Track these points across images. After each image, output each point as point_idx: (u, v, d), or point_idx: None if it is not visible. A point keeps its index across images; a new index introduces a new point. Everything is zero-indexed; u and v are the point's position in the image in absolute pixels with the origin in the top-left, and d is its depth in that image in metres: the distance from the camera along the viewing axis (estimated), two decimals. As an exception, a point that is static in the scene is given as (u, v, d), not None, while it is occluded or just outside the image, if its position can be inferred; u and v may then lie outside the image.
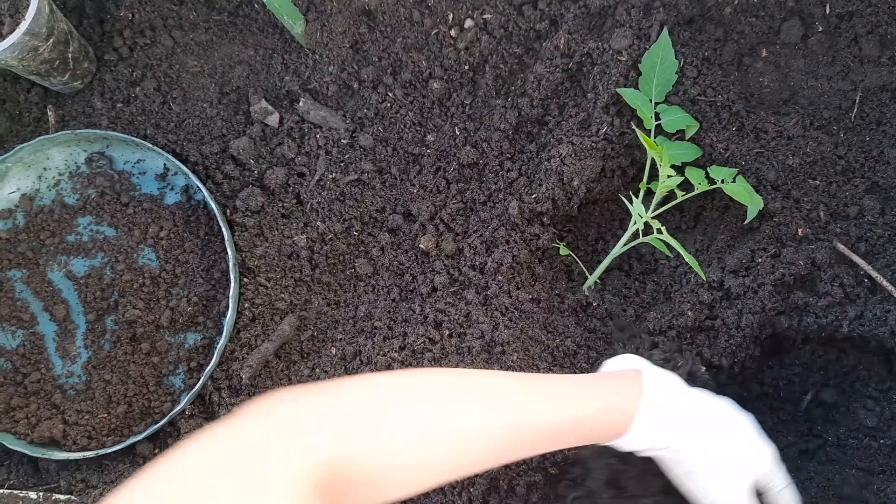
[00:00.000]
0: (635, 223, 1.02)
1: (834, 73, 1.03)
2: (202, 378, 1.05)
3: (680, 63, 1.03)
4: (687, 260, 0.94)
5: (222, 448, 0.54)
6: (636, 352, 0.92)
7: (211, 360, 1.06)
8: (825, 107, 1.03)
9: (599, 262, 1.07)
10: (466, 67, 1.12)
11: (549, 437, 0.70)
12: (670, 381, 0.76)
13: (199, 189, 1.09)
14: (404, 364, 1.03)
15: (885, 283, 0.96)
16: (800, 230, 0.99)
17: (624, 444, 0.74)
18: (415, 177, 1.12)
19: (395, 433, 0.62)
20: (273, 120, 1.15)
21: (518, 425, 0.68)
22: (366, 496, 0.61)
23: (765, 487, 0.79)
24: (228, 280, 1.09)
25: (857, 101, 1.02)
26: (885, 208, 0.99)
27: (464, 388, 0.69)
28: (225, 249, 1.09)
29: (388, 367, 1.03)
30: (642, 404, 0.72)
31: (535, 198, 1.04)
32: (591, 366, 1.00)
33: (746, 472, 0.77)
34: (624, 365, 0.79)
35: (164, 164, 1.16)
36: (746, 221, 1.00)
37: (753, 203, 0.99)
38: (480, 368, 1.00)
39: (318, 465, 0.56)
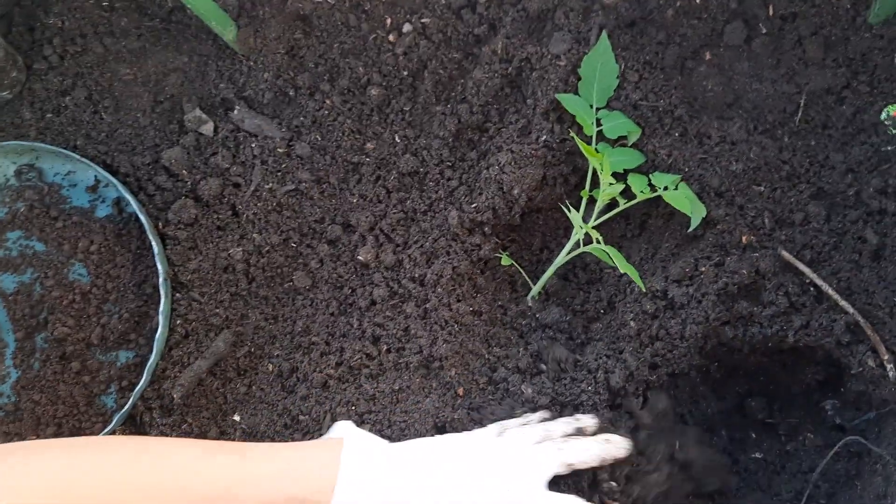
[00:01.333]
0: (577, 233, 0.99)
1: (778, 75, 1.01)
2: (132, 398, 1.01)
3: (621, 67, 1.00)
4: (625, 271, 0.92)
5: None
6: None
7: (141, 379, 1.02)
8: (769, 110, 1.01)
9: (544, 272, 1.04)
10: (405, 73, 1.09)
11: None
12: (374, 455, 0.74)
13: (131, 201, 1.05)
14: (341, 381, 0.99)
15: (830, 291, 0.94)
16: (744, 238, 0.97)
17: None
18: (354, 186, 1.09)
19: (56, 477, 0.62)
20: (207, 129, 1.11)
21: (191, 492, 0.67)
22: None
23: None
24: (161, 296, 1.05)
25: (802, 105, 1.00)
26: (830, 214, 0.97)
27: (137, 446, 0.68)
28: (157, 264, 1.05)
29: (325, 385, 1.00)
30: (338, 488, 0.71)
31: (475, 207, 1.01)
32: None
33: None
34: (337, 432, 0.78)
35: (95, 176, 1.12)
36: (690, 230, 0.97)
37: (696, 211, 0.97)
38: (419, 384, 0.97)
39: None
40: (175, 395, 1.02)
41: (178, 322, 1.06)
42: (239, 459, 0.71)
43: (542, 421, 0.86)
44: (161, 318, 1.03)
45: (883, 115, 0.96)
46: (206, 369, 1.04)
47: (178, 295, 1.07)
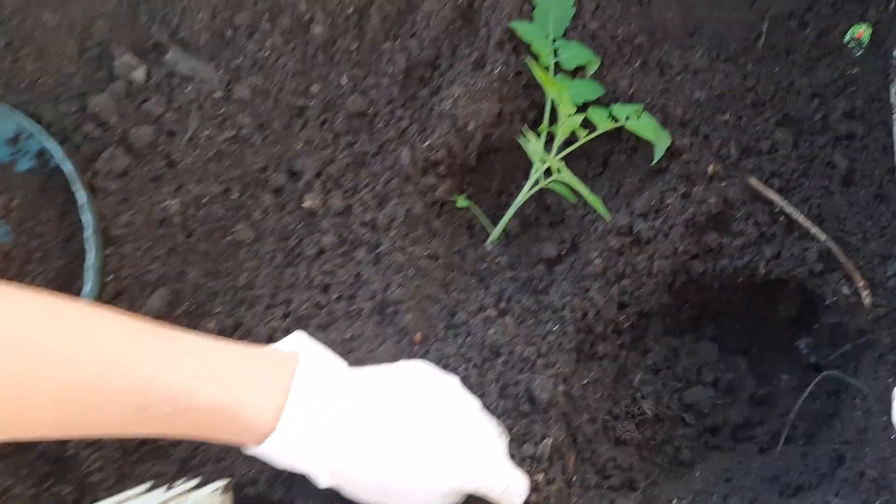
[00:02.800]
0: (537, 170, 0.94)
1: (740, 2, 0.98)
2: (57, 361, 0.92)
3: (577, -6, 0.96)
4: (589, 200, 0.86)
5: None
6: None
7: (68, 340, 0.93)
8: (732, 38, 0.97)
9: (503, 216, 0.98)
10: (351, 10, 1.02)
11: (174, 414, 0.54)
12: (331, 374, 0.62)
13: (55, 152, 0.97)
14: (288, 332, 0.91)
15: (801, 218, 0.90)
16: (710, 167, 0.92)
17: (264, 453, 0.59)
18: (299, 131, 1.02)
19: None
20: (139, 75, 1.03)
21: (141, 383, 0.52)
22: None
23: (483, 494, 0.67)
24: (88, 250, 0.97)
25: (765, 30, 0.96)
26: (798, 141, 0.93)
27: (78, 317, 0.53)
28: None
29: (271, 338, 0.92)
30: (288, 403, 0.58)
31: (428, 145, 0.95)
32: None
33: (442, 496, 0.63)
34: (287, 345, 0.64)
35: (16, 129, 1.03)
36: (654, 161, 0.93)
37: (660, 140, 0.92)
38: (372, 331, 0.90)
39: None
40: (106, 357, 0.93)
41: (110, 279, 0.97)
42: (171, 350, 0.57)
43: None
44: (91, 274, 0.95)
45: (847, 38, 0.93)
46: (140, 329, 0.96)
47: (108, 251, 0.98)
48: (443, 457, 0.63)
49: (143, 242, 0.99)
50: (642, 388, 0.92)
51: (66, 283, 0.99)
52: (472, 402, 0.70)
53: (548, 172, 0.93)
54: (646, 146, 0.96)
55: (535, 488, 0.73)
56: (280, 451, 0.60)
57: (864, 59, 0.91)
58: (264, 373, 0.60)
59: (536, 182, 0.93)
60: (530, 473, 0.74)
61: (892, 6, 0.91)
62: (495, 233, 0.98)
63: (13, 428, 0.50)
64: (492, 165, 1.02)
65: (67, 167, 0.96)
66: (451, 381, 0.70)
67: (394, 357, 0.86)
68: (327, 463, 0.61)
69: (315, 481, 0.63)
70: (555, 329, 0.87)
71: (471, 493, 0.67)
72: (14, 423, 0.50)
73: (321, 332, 0.90)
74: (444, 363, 0.85)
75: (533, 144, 0.89)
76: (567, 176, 0.87)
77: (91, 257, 0.94)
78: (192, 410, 0.56)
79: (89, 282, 0.94)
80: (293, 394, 0.59)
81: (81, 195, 0.96)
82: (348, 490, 0.63)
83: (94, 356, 0.52)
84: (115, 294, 0.97)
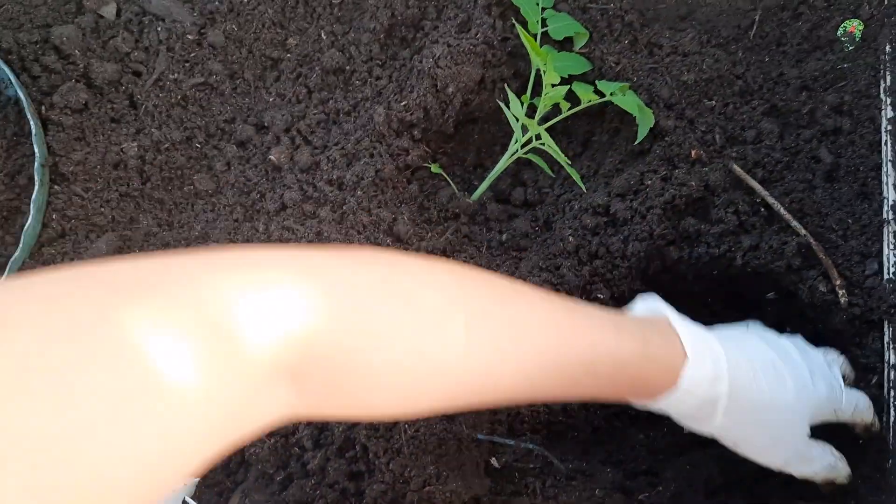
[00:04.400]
0: (517, 141, 0.90)
1: (733, -10, 0.95)
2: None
3: (570, -34, 0.93)
4: (566, 169, 0.83)
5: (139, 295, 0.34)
6: None
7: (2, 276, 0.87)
8: (724, 25, 0.95)
9: (477, 189, 0.95)
10: (337, -37, 0.99)
11: (611, 375, 0.57)
12: (701, 334, 0.65)
13: (7, 80, 0.91)
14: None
15: (782, 211, 0.87)
16: (693, 152, 0.89)
17: (665, 403, 0.62)
18: (271, 84, 0.98)
19: (417, 318, 0.44)
20: (109, 11, 0.99)
21: (588, 352, 0.55)
22: (353, 394, 0.42)
23: (832, 419, 0.72)
24: (35, 184, 0.91)
25: (757, 20, 0.94)
26: (783, 132, 0.90)
27: (514, 289, 0.54)
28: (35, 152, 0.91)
29: (220, 291, 0.87)
30: (688, 348, 0.60)
31: (404, 105, 0.91)
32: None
33: (806, 417, 0.68)
34: (649, 308, 0.66)
35: (-28, 54, 0.97)
36: (637, 140, 0.90)
37: (644, 118, 0.89)
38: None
39: (289, 340, 0.36)
40: (41, 298, 0.87)
41: (55, 217, 0.92)
42: (593, 317, 0.59)
43: None
44: (32, 209, 0.89)
45: (839, 31, 0.91)
46: (82, 273, 0.90)
47: (56, 188, 0.92)
48: (802, 383, 0.68)
49: (94, 183, 0.93)
50: None
51: (8, 219, 0.93)
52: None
53: (528, 144, 0.89)
54: (628, 128, 0.93)
55: None
56: (693, 393, 0.62)
57: (856, 54, 0.90)
58: (656, 332, 0.62)
59: (516, 151, 0.89)
60: None
61: (885, 2, 0.89)
62: (477, 194, 0.94)
63: (491, 395, 0.51)
64: (470, 135, 0.99)
65: (22, 93, 0.91)
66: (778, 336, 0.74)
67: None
68: (722, 401, 0.63)
69: (706, 422, 0.65)
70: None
71: (826, 420, 0.71)
72: (492, 391, 0.51)
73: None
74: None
75: (514, 106, 0.85)
76: (548, 140, 0.83)
77: (37, 192, 0.89)
78: (626, 366, 0.58)
79: (31, 218, 0.89)
80: (687, 346, 0.61)
81: (36, 125, 0.91)
82: (735, 430, 0.66)
83: (552, 327, 0.54)
84: (59, 234, 0.92)
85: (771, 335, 0.73)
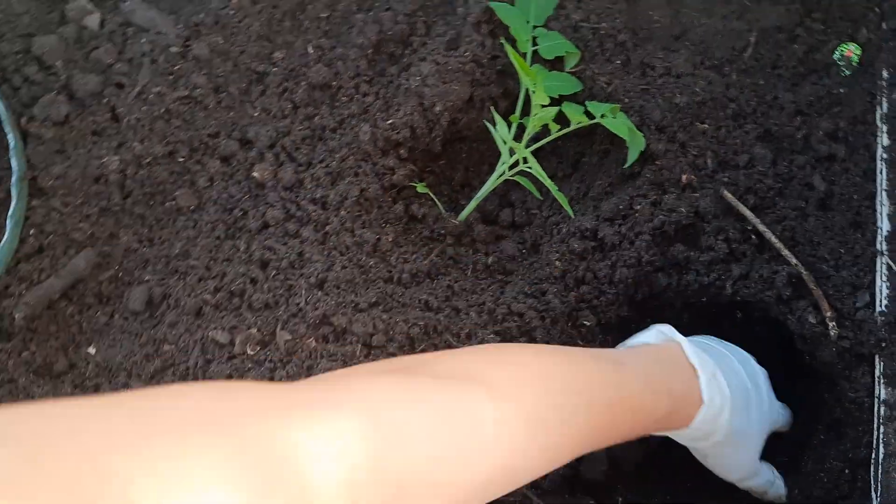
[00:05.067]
0: (504, 163, 0.88)
1: (729, 11, 0.94)
2: (-38, 315, 0.85)
3: (563, -17, 0.91)
4: (553, 194, 0.81)
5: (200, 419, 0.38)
6: None
7: (-23, 293, 0.85)
8: (718, 46, 0.93)
9: (465, 208, 0.93)
10: (325, -24, 0.97)
11: (639, 421, 0.63)
12: (708, 360, 0.70)
13: (-11, 91, 0.90)
14: (217, 308, 0.85)
15: (773, 239, 0.85)
16: (684, 177, 0.88)
17: (683, 435, 0.70)
18: (256, 98, 0.96)
19: None
20: (93, 21, 0.97)
21: (617, 403, 0.60)
22: None
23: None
24: (12, 198, 0.89)
25: (753, 42, 0.92)
26: (777, 158, 0.88)
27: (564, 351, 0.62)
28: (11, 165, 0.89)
29: (199, 311, 0.85)
30: (704, 391, 0.66)
31: (390, 123, 0.89)
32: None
33: (762, 436, 0.76)
34: (660, 337, 0.71)
35: (-48, 63, 0.95)
36: (627, 164, 0.88)
37: (635, 142, 0.87)
38: (308, 312, 0.83)
39: (348, 472, 0.41)
40: (17, 316, 0.86)
41: (32, 232, 0.90)
42: (627, 369, 0.64)
43: None
44: (9, 224, 0.87)
45: (836, 55, 0.89)
46: (59, 290, 0.88)
47: (35, 202, 0.91)
48: (765, 407, 0.76)
49: (74, 198, 0.92)
50: None
51: (-15, 232, 0.91)
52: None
53: (515, 166, 0.87)
54: (618, 150, 0.91)
55: None
56: (700, 427, 0.68)
57: (852, 78, 0.88)
58: (677, 370, 0.67)
59: (503, 173, 0.87)
60: None
61: (883, 26, 0.87)
62: (463, 214, 0.92)
63: (544, 454, 0.55)
64: (458, 154, 0.97)
65: (1, 105, 0.89)
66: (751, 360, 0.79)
67: (328, 341, 0.80)
68: (721, 431, 0.69)
69: (705, 445, 0.71)
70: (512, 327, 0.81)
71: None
72: (552, 449, 0.55)
73: (250, 311, 0.84)
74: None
75: (501, 129, 0.83)
76: (534, 165, 0.81)
77: (14, 206, 0.87)
78: (651, 414, 0.64)
79: (8, 232, 0.87)
80: (703, 387, 0.67)
81: (15, 138, 0.89)
82: (711, 448, 0.72)
83: (590, 383, 0.59)
84: (36, 249, 0.90)
85: (735, 356, 0.77)
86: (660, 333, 0.71)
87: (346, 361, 0.78)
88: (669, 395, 0.65)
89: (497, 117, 0.83)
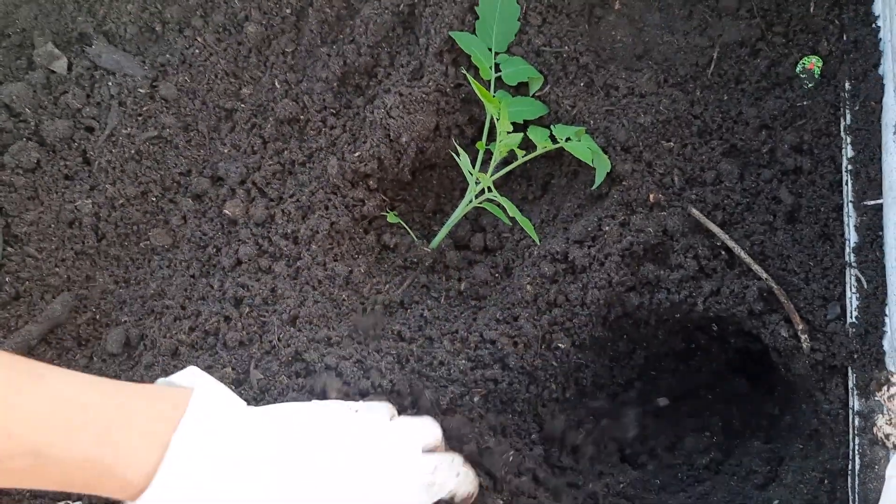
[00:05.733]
0: (471, 191, 0.89)
1: (690, 27, 0.94)
2: (-59, 366, 0.85)
3: (523, 9, 0.91)
4: (520, 222, 0.81)
5: None
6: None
7: (-46, 344, 0.86)
8: (681, 63, 0.93)
9: (437, 235, 0.93)
10: (288, 11, 0.98)
11: (36, 468, 0.48)
12: (222, 420, 0.54)
13: (-40, 141, 0.91)
14: (193, 347, 0.86)
15: (743, 254, 0.85)
16: (651, 196, 0.88)
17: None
18: (226, 135, 0.97)
19: None
20: (60, 66, 0.98)
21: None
22: None
23: None
24: (-14, 248, 0.90)
25: (715, 57, 0.92)
26: (743, 173, 0.89)
27: None
28: (-14, 213, 0.90)
29: (175, 352, 0.86)
30: (167, 457, 0.50)
31: (358, 156, 0.90)
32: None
33: None
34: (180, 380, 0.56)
35: (-76, 114, 0.96)
36: (594, 186, 0.88)
37: (600, 165, 0.88)
38: (281, 347, 0.84)
39: None
40: (-5, 364, 0.86)
41: (8, 280, 0.90)
42: (34, 393, 0.48)
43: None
44: (-16, 274, 0.88)
45: (798, 68, 0.89)
46: (38, 336, 0.89)
47: (10, 249, 0.91)
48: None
49: (49, 243, 0.92)
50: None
51: (-38, 282, 0.92)
52: (401, 450, 0.60)
53: (483, 194, 0.88)
54: (587, 171, 0.91)
55: None
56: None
57: (815, 91, 0.88)
58: (143, 420, 0.51)
59: (471, 201, 0.88)
60: None
61: (844, 38, 0.88)
62: (435, 242, 0.93)
63: None
64: (428, 181, 0.97)
65: (-29, 158, 0.90)
66: (376, 426, 0.60)
67: (300, 376, 0.80)
68: None
69: None
70: (485, 354, 0.82)
71: None
72: None
73: (225, 350, 0.84)
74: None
75: (464, 160, 0.84)
76: (497, 196, 0.82)
77: (-12, 256, 0.88)
78: (57, 463, 0.48)
79: (-17, 282, 0.88)
80: (173, 446, 0.51)
81: (-16, 189, 0.90)
82: None
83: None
84: (13, 296, 0.91)
85: None
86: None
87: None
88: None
89: (459, 149, 0.84)
